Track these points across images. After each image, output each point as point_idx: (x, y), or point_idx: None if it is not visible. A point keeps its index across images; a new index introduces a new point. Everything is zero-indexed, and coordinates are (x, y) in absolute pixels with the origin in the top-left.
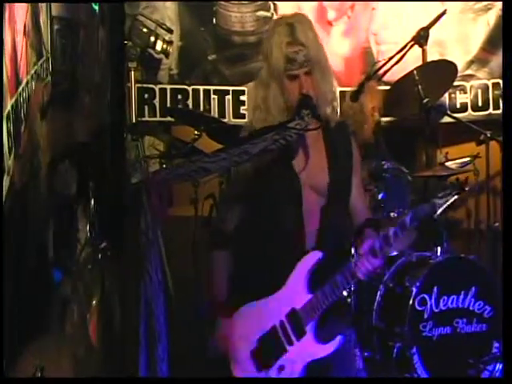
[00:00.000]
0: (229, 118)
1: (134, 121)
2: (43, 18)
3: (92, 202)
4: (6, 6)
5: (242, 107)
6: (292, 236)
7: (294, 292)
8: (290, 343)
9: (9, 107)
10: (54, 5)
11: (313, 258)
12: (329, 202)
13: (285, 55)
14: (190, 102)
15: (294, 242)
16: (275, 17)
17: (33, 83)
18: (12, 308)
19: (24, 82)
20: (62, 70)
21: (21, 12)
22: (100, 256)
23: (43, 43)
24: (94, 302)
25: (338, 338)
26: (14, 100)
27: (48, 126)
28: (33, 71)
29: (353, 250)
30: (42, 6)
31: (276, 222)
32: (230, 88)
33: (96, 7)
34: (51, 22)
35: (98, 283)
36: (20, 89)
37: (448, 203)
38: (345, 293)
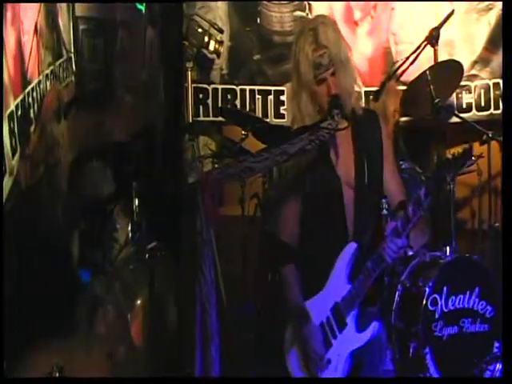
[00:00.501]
0: (270, 118)
1: (190, 121)
2: (63, 18)
3: (136, 201)
4: (9, 6)
5: (281, 107)
6: (336, 234)
7: (336, 285)
8: (335, 337)
9: (12, 107)
10: (78, 5)
11: (350, 249)
12: (363, 195)
13: (312, 62)
14: (237, 102)
15: (337, 239)
16: (310, 17)
17: (47, 83)
18: (22, 308)
19: (35, 81)
20: (90, 70)
21: (30, 12)
22: (147, 256)
23: (63, 43)
24: (137, 303)
25: (374, 325)
26: (19, 100)
27: (70, 125)
28: (48, 71)
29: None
30: (62, 6)
31: (320, 221)
32: (272, 88)
33: (142, 7)
34: (75, 22)
35: (144, 283)
36: (29, 88)
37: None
38: None
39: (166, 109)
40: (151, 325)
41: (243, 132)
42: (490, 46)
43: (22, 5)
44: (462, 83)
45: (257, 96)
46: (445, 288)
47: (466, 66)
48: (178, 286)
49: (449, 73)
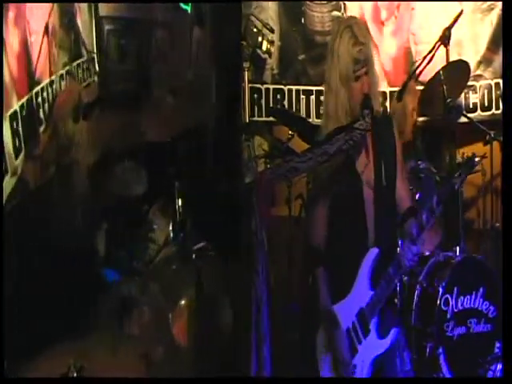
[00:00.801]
0: (313, 118)
1: (247, 121)
2: (83, 18)
3: (179, 202)
4: (12, 5)
5: (321, 107)
6: (357, 235)
7: (361, 291)
8: (360, 342)
9: (16, 107)
10: (103, 5)
11: (372, 255)
12: (380, 197)
13: (352, 57)
14: (285, 102)
15: (360, 243)
16: (345, 16)
17: (61, 83)
18: (36, 308)
19: (45, 82)
20: (118, 70)
21: (38, 12)
22: (194, 256)
23: (83, 43)
24: (182, 303)
25: (393, 332)
26: (24, 100)
27: (93, 125)
28: (63, 71)
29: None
30: (81, 6)
31: (345, 225)
32: (314, 88)
33: (188, 7)
34: (98, 22)
35: (191, 284)
36: (38, 89)
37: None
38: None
39: (218, 109)
40: (198, 325)
41: (290, 132)
42: (492, 46)
43: (28, 5)
44: (469, 83)
45: (301, 96)
46: (455, 288)
47: (472, 66)
48: (230, 286)
49: (458, 73)
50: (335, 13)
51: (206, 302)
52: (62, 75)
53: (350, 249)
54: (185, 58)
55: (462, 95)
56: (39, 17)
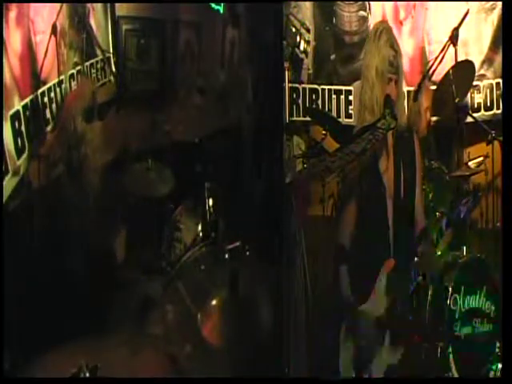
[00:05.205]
0: (342, 118)
1: (287, 121)
2: (97, 19)
3: (210, 202)
4: (14, 6)
5: (350, 107)
6: (380, 242)
7: (378, 300)
8: (375, 349)
9: (18, 107)
10: (122, 5)
11: (389, 265)
12: (399, 206)
13: (388, 57)
14: (319, 102)
15: (382, 248)
16: (370, 17)
17: (72, 83)
18: (44, 309)
19: (53, 81)
20: (137, 70)
21: (44, 12)
22: (228, 256)
23: (97, 44)
24: (213, 303)
25: (402, 349)
26: (28, 100)
27: (108, 125)
28: (74, 71)
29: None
30: (95, 6)
31: (368, 224)
32: (343, 88)
33: (220, 8)
34: (115, 22)
35: (222, 283)
36: (44, 88)
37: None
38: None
39: (255, 109)
40: (233, 325)
41: (323, 132)
42: (494, 45)
43: (33, 4)
44: (474, 83)
45: (332, 96)
46: (462, 287)
47: (476, 65)
48: (267, 286)
49: (465, 73)
50: (361, 13)
51: (242, 302)
52: (72, 75)
53: (373, 251)
54: (216, 58)
55: (468, 95)
56: (46, 17)
